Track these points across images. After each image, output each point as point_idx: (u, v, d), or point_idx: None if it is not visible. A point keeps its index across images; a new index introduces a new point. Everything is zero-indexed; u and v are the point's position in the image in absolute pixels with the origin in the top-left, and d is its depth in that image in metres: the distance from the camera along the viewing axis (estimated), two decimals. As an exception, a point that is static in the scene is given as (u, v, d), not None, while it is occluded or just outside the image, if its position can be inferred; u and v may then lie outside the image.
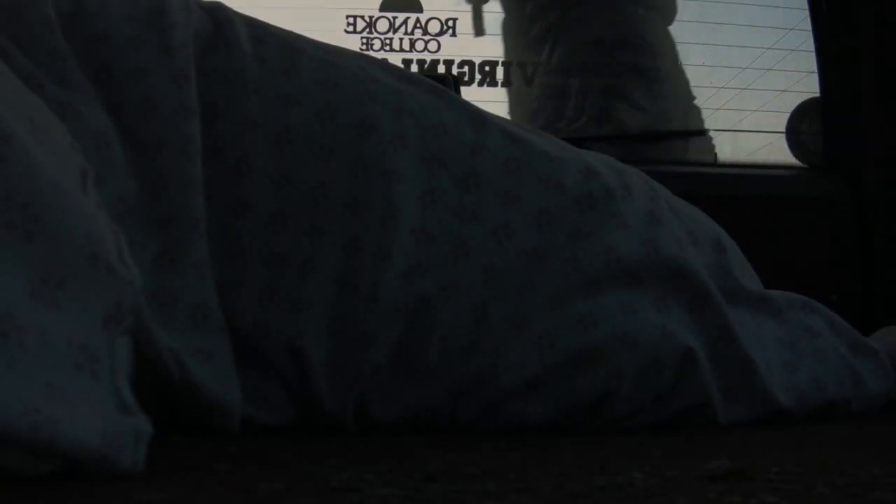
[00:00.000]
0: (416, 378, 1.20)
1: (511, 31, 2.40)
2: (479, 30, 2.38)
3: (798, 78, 2.25)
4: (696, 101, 2.36)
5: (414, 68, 2.29)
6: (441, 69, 2.30)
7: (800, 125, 2.12)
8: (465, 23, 2.40)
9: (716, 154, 2.25)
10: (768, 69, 2.36)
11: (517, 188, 1.27)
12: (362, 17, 2.35)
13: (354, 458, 0.95)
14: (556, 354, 1.22)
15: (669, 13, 2.38)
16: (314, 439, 1.12)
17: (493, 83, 2.37)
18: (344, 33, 2.33)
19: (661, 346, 1.25)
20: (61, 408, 0.73)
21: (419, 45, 2.36)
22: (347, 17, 2.35)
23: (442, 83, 1.50)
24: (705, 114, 2.34)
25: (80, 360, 0.77)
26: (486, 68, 2.36)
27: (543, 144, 1.33)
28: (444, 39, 2.37)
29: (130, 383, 0.84)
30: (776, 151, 2.19)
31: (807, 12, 2.12)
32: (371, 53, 2.29)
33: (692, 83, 2.37)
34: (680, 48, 2.38)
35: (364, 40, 2.35)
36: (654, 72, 2.29)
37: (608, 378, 1.23)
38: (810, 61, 2.14)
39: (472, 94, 2.23)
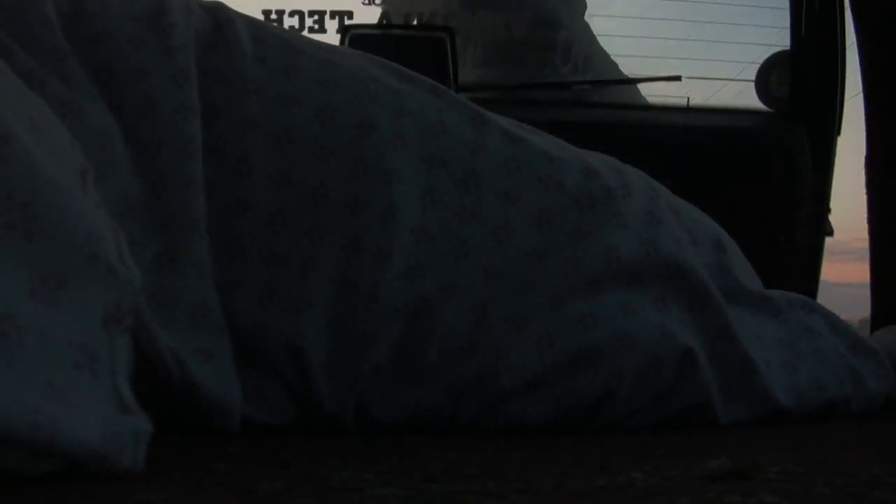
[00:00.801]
0: (416, 378, 1.20)
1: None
2: None
3: (770, 32, 2.40)
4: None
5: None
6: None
7: (769, 75, 2.31)
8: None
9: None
10: (741, 24, 2.54)
11: (517, 188, 1.27)
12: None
13: (354, 458, 0.95)
14: (556, 354, 1.22)
15: (580, 6, 2.71)
16: (314, 439, 1.12)
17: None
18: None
19: (661, 346, 1.25)
20: (61, 407, 0.73)
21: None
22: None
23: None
24: (684, 63, 2.54)
25: (80, 360, 0.77)
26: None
27: (543, 144, 1.33)
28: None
29: (130, 383, 0.84)
30: (746, 98, 2.38)
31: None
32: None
33: (672, 35, 2.64)
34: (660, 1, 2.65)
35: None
36: (566, 45, 2.58)
37: (608, 378, 1.23)
38: (783, 17, 2.29)
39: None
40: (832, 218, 2.29)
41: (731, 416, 1.30)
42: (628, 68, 2.60)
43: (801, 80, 2.24)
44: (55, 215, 0.78)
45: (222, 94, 1.18)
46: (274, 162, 1.18)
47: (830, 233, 2.29)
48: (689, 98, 2.36)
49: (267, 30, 1.27)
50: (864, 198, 2.21)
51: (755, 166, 2.20)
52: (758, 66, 2.33)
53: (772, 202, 2.17)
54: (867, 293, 2.20)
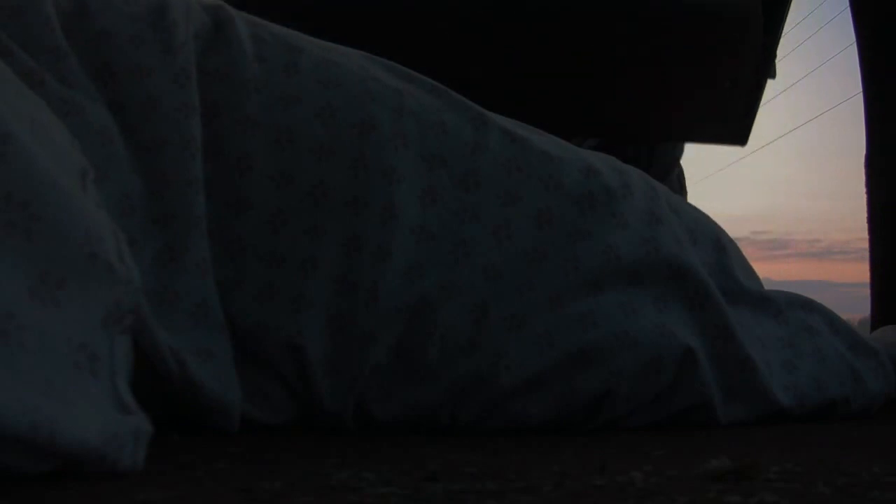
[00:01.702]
0: (415, 377, 1.20)
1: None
2: None
3: None
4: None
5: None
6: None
7: None
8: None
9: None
10: None
11: (517, 188, 1.27)
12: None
13: (354, 458, 0.95)
14: (555, 354, 1.22)
15: None
16: (314, 439, 1.12)
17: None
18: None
19: (661, 346, 1.25)
20: (61, 407, 0.73)
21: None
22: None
23: None
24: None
25: (80, 359, 0.77)
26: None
27: (543, 144, 1.33)
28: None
29: (130, 383, 0.84)
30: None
31: None
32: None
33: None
34: None
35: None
36: None
37: (608, 377, 1.23)
38: None
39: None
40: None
41: (731, 416, 1.30)
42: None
43: None
44: (55, 215, 0.78)
45: (222, 93, 1.18)
46: (274, 161, 1.18)
47: (773, 75, 2.47)
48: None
49: (267, 28, 1.27)
50: (864, 198, 2.23)
51: (712, 16, 2.37)
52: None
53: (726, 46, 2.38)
54: (867, 293, 2.21)
